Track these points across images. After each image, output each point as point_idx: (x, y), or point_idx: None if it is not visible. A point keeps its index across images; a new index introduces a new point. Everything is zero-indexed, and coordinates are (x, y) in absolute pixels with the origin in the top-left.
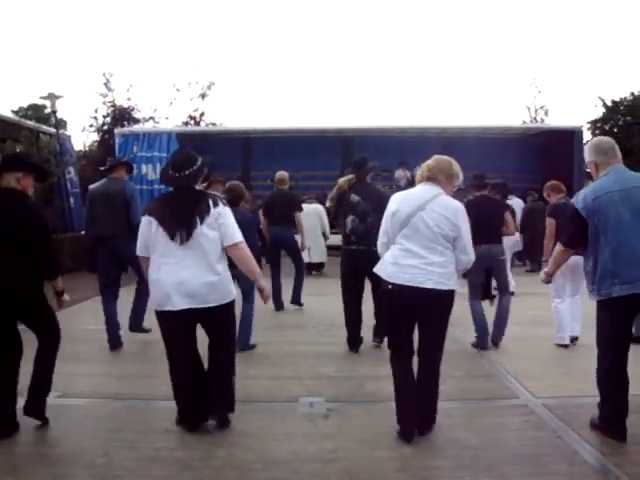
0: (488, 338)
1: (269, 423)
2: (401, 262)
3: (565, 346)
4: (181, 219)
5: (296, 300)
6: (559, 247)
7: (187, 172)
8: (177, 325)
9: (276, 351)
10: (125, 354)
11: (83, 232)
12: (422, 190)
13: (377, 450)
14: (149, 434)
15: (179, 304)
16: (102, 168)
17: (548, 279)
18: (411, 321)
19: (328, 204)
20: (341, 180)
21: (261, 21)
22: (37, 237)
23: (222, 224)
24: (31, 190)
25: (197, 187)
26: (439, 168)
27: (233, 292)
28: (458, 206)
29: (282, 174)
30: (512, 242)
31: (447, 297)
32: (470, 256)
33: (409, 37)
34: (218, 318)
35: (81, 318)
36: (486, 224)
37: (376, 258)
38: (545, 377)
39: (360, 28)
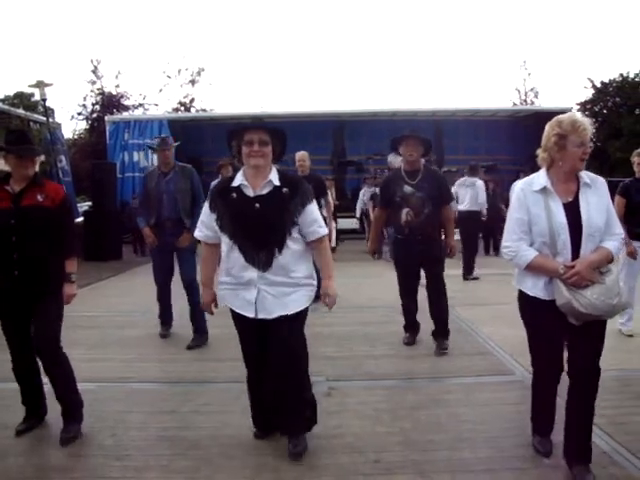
0: None
1: None
2: None
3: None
4: None
5: None
6: None
7: None
8: None
9: None
10: (124, 340)
11: (76, 220)
12: None
13: (378, 425)
14: (156, 415)
15: None
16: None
17: None
18: None
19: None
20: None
21: (250, 6)
22: None
23: None
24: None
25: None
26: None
27: None
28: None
29: (303, 154)
30: None
31: None
32: None
33: (399, 20)
34: None
35: (80, 305)
36: None
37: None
38: None
39: (349, 12)
